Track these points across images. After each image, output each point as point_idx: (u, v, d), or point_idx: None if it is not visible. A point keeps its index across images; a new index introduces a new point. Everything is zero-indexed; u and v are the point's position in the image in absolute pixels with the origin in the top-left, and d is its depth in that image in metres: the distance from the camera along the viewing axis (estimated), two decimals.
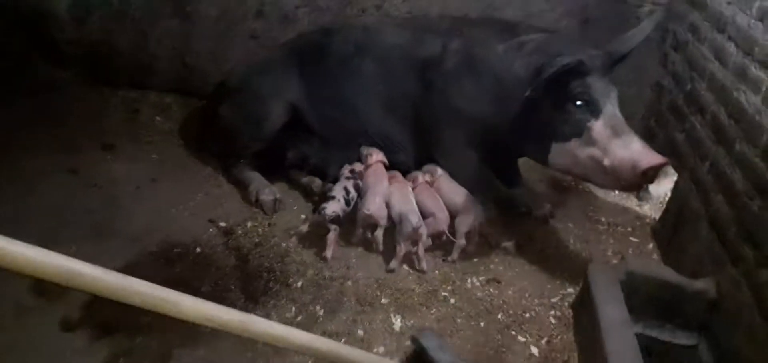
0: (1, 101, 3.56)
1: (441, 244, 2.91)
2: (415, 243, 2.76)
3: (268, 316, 2.42)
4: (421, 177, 3.09)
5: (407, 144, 3.26)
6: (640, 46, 2.87)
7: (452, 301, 2.65)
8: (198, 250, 2.78)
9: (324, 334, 2.31)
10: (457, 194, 3.01)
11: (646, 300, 2.45)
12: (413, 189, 3.04)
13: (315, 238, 2.86)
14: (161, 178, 3.27)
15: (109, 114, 3.84)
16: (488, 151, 3.16)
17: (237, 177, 3.29)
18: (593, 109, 2.65)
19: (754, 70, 2.57)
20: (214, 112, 3.41)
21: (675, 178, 3.21)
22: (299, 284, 2.63)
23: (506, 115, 2.89)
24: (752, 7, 2.70)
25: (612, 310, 2.19)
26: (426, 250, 2.82)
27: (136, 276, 2.45)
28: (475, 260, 2.92)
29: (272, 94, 3.26)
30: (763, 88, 2.46)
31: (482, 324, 2.53)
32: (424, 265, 2.76)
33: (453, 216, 2.92)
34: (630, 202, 3.56)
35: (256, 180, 3.22)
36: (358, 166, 3.10)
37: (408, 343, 2.34)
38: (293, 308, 2.50)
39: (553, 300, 2.72)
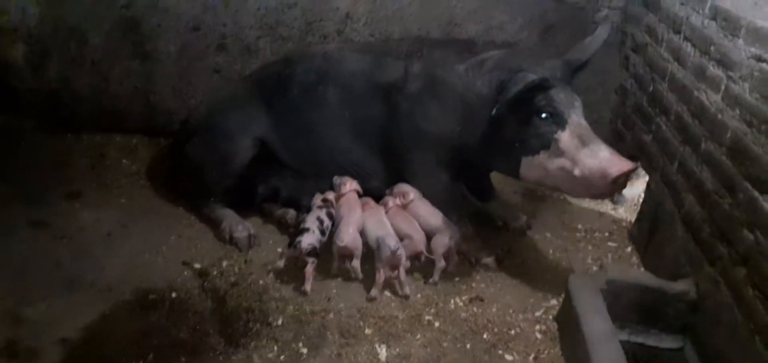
0: None
1: (420, 265, 2.89)
2: (394, 267, 2.74)
3: (249, 359, 2.38)
4: (392, 201, 3.08)
5: (379, 169, 3.24)
6: (600, 51, 2.92)
7: (437, 324, 2.62)
8: (174, 295, 2.71)
9: None
10: (432, 215, 3.00)
11: (628, 306, 2.47)
12: (386, 213, 3.02)
13: (293, 272, 2.81)
14: (132, 223, 3.19)
15: (74, 161, 3.74)
16: (459, 168, 3.16)
17: (209, 216, 3.23)
18: (558, 120, 2.67)
19: (712, 69, 2.63)
20: (181, 151, 3.35)
21: (647, 178, 3.25)
22: (279, 321, 2.58)
23: (473, 133, 2.91)
24: (705, 7, 2.77)
25: (596, 322, 2.20)
26: (406, 274, 2.79)
27: (111, 327, 2.44)
28: (457, 279, 2.91)
29: (238, 129, 3.23)
30: (722, 87, 2.52)
31: (468, 345, 2.52)
32: (406, 290, 2.74)
33: (429, 237, 2.91)
34: (605, 206, 3.60)
35: (229, 217, 3.17)
36: (330, 195, 3.07)
37: None
38: (275, 348, 2.45)
39: (537, 314, 2.71)
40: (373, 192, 3.19)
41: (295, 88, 3.26)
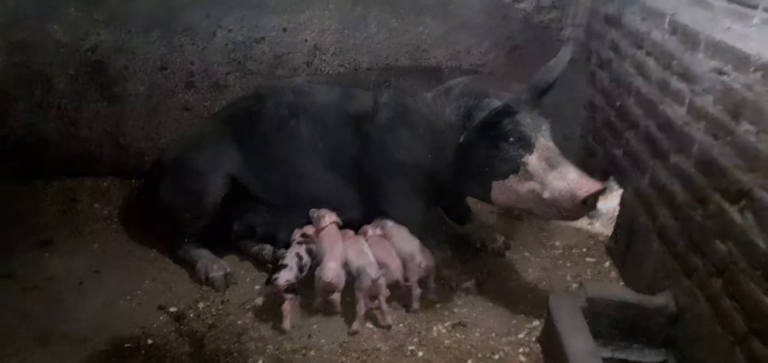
0: None
1: (400, 294, 2.87)
2: (374, 297, 2.72)
3: None
4: (371, 230, 3.07)
5: (354, 200, 3.23)
6: (567, 68, 2.96)
7: (420, 353, 2.60)
8: (150, 341, 2.64)
9: None
10: (406, 241, 2.99)
11: (610, 323, 2.48)
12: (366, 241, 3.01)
13: (272, 310, 2.77)
14: (105, 269, 3.12)
15: (44, 208, 3.65)
16: (434, 194, 3.17)
17: (183, 257, 3.17)
18: (526, 144, 2.70)
19: (676, 83, 2.69)
20: (153, 192, 3.31)
21: (621, 192, 3.29)
22: (260, 362, 2.53)
23: (444, 160, 2.92)
24: (664, 22, 2.84)
25: (578, 341, 2.20)
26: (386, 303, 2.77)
27: None
28: (438, 306, 2.90)
29: (209, 168, 3.20)
30: (687, 100, 2.57)
31: None
32: (388, 320, 2.72)
33: (406, 264, 2.90)
34: (582, 222, 3.60)
35: (204, 257, 3.12)
36: (309, 229, 3.05)
37: None
38: None
39: (520, 336, 2.71)
40: (351, 222, 3.17)
41: (266, 123, 3.25)
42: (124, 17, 3.68)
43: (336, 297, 2.77)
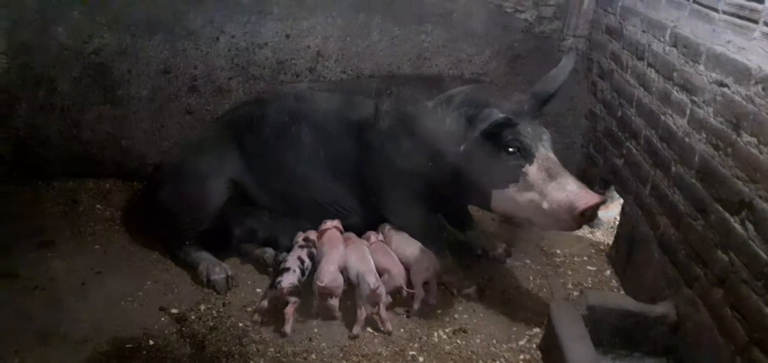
0: None
1: (402, 300, 2.88)
2: (375, 304, 2.73)
3: None
4: (375, 236, 3.08)
5: (356, 206, 3.25)
6: (568, 78, 2.98)
7: (421, 359, 2.60)
8: (151, 342, 2.64)
9: None
10: (409, 246, 3.01)
11: (610, 331, 2.49)
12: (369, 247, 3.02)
13: (273, 313, 2.78)
14: (106, 270, 3.12)
15: (46, 208, 3.65)
16: (434, 201, 3.19)
17: (185, 259, 3.18)
18: (526, 154, 2.72)
19: (677, 94, 2.71)
20: (155, 196, 3.31)
21: (622, 201, 3.31)
22: None
23: (444, 168, 2.94)
24: (665, 34, 2.86)
25: (579, 349, 2.21)
26: (387, 309, 2.78)
27: None
28: (439, 311, 2.90)
29: (211, 173, 3.21)
30: (688, 111, 2.59)
31: None
32: (388, 327, 2.72)
33: (409, 268, 2.92)
34: (583, 230, 3.63)
35: (205, 259, 3.12)
36: (312, 234, 3.06)
37: None
38: None
39: (521, 343, 2.72)
40: (353, 228, 3.19)
41: (268, 128, 3.26)
42: (127, 21, 3.70)
43: (334, 302, 2.77)
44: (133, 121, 3.91)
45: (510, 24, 3.91)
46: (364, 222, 3.23)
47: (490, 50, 3.97)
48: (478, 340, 2.73)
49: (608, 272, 3.28)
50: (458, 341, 2.72)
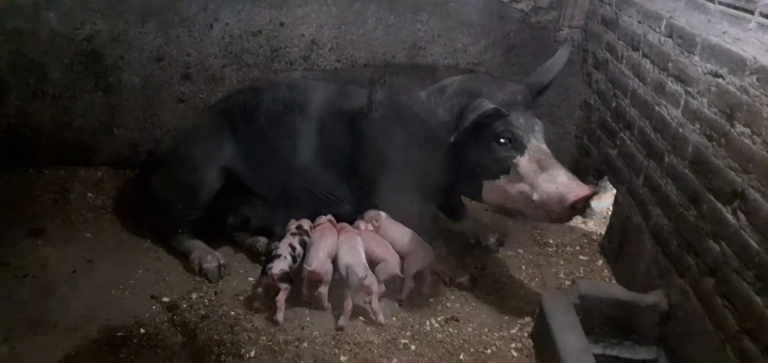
0: None
1: (397, 288, 2.88)
2: (368, 294, 2.72)
3: None
4: (364, 225, 3.07)
5: (349, 195, 3.25)
6: (563, 68, 2.97)
7: (413, 347, 2.61)
8: (142, 331, 2.63)
9: None
10: (404, 235, 3.01)
11: (601, 320, 2.50)
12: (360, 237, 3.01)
13: (265, 301, 2.78)
14: (97, 258, 3.10)
15: (36, 196, 3.63)
16: (427, 191, 3.18)
17: (177, 248, 3.17)
18: (517, 145, 2.71)
19: (671, 85, 2.71)
20: (147, 183, 3.30)
21: (615, 192, 3.31)
22: (252, 353, 2.53)
23: (436, 158, 2.93)
24: (661, 25, 2.85)
25: (570, 338, 2.22)
26: (381, 297, 2.77)
27: None
28: (432, 300, 2.91)
29: (204, 161, 3.19)
30: (682, 102, 2.59)
31: None
32: (380, 318, 2.71)
33: (403, 258, 2.91)
34: (575, 220, 3.63)
35: (198, 248, 3.11)
36: (305, 223, 3.05)
37: None
38: None
39: (513, 331, 2.72)
40: (346, 217, 3.18)
41: (262, 117, 3.25)
42: (120, 7, 3.66)
43: (323, 290, 2.77)
44: (126, 108, 3.88)
45: (506, 14, 3.90)
46: (357, 211, 3.22)
47: (485, 40, 3.95)
48: (470, 329, 2.73)
49: (600, 262, 3.29)
50: (450, 330, 2.72)
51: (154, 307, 2.78)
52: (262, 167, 3.24)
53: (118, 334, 2.60)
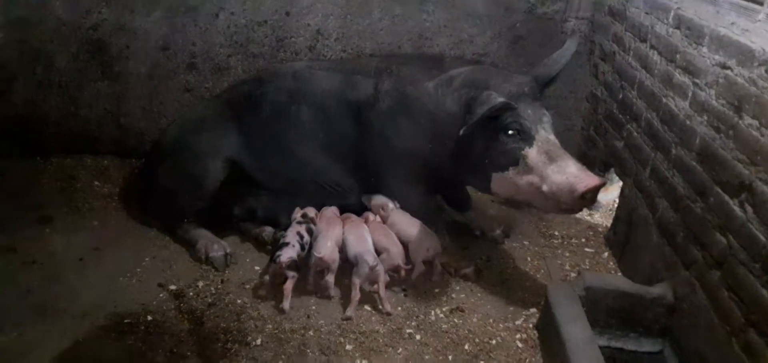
0: None
1: (400, 278, 2.89)
2: (374, 282, 2.73)
3: None
4: (372, 216, 3.09)
5: (355, 186, 3.25)
6: (570, 59, 2.95)
7: (418, 337, 2.62)
8: (149, 318, 2.65)
9: None
10: (411, 226, 3.01)
11: (607, 312, 2.50)
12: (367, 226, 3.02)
13: (271, 290, 2.79)
14: (104, 246, 3.12)
15: (44, 185, 3.65)
16: (433, 182, 3.18)
17: (183, 237, 3.18)
18: (526, 137, 2.70)
19: (679, 76, 2.69)
20: (153, 173, 3.31)
21: (621, 184, 3.31)
22: (259, 341, 2.54)
23: (444, 150, 2.93)
24: (669, 16, 2.84)
25: (575, 329, 2.22)
26: (386, 287, 2.78)
27: (85, 354, 2.38)
28: (437, 290, 2.91)
29: (209, 151, 3.20)
30: (690, 93, 2.58)
31: (450, 357, 2.51)
32: (387, 307, 2.72)
33: (408, 248, 2.93)
34: (581, 213, 3.63)
35: (204, 237, 3.12)
36: (310, 211, 3.06)
37: None
38: None
39: (518, 322, 2.73)
40: (352, 208, 3.18)
41: (267, 107, 3.24)
42: None
43: (329, 279, 2.78)
44: (132, 97, 3.90)
45: (512, 5, 3.88)
46: (362, 202, 3.21)
47: (491, 31, 3.94)
48: (475, 320, 2.74)
49: (606, 254, 3.29)
50: (455, 320, 2.73)
51: (161, 295, 2.80)
52: (267, 158, 3.24)
53: (125, 321, 2.62)
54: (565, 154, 2.65)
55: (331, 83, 3.23)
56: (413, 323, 2.69)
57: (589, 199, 2.57)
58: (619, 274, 3.07)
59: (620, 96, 3.38)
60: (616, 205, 3.37)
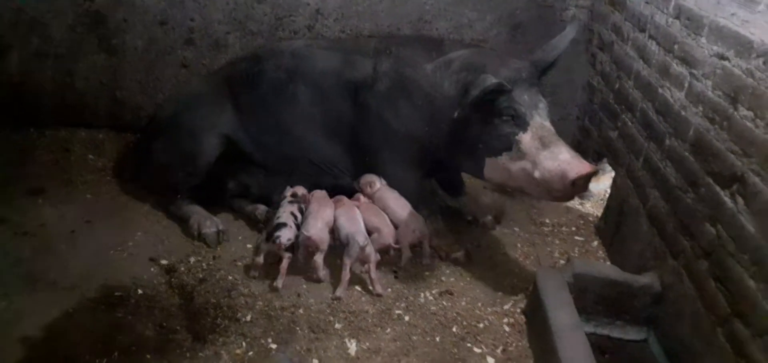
0: None
1: (390, 259, 2.89)
2: (365, 263, 2.74)
3: (217, 355, 2.34)
4: (363, 199, 3.08)
5: (349, 166, 3.24)
6: (568, 49, 2.94)
7: (407, 318, 2.63)
8: (140, 291, 2.65)
9: None
10: (399, 207, 3.02)
11: (594, 299, 2.51)
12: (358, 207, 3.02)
13: (263, 268, 2.79)
14: (97, 219, 3.12)
15: (37, 156, 3.63)
16: (429, 166, 3.18)
17: (176, 212, 3.18)
18: (520, 122, 2.68)
19: (676, 67, 2.69)
20: (147, 148, 3.30)
21: (613, 174, 3.31)
22: (248, 317, 2.55)
23: (440, 133, 2.92)
24: (669, 6, 2.83)
25: (562, 315, 2.23)
26: (376, 267, 2.78)
27: (75, 325, 2.39)
28: (427, 273, 2.92)
29: (204, 127, 3.18)
30: (686, 84, 2.58)
31: (438, 339, 2.53)
32: (379, 289, 2.73)
33: (397, 227, 2.94)
34: (572, 201, 3.64)
35: (197, 213, 3.12)
36: (299, 190, 3.06)
37: None
38: (243, 343, 2.41)
39: (506, 307, 2.74)
40: (345, 189, 3.18)
41: (264, 85, 3.23)
42: None
43: (318, 259, 2.78)
44: (128, 72, 3.88)
45: None
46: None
47: (491, 16, 3.92)
48: (463, 303, 2.75)
49: (595, 243, 3.30)
50: (444, 303, 2.74)
51: (152, 269, 2.80)
52: (263, 135, 3.23)
53: (115, 293, 2.62)
54: (558, 141, 2.64)
55: (329, 63, 3.21)
56: (402, 304, 2.70)
57: (580, 185, 2.56)
58: (608, 262, 3.08)
59: (617, 86, 3.38)
60: (607, 195, 3.38)
